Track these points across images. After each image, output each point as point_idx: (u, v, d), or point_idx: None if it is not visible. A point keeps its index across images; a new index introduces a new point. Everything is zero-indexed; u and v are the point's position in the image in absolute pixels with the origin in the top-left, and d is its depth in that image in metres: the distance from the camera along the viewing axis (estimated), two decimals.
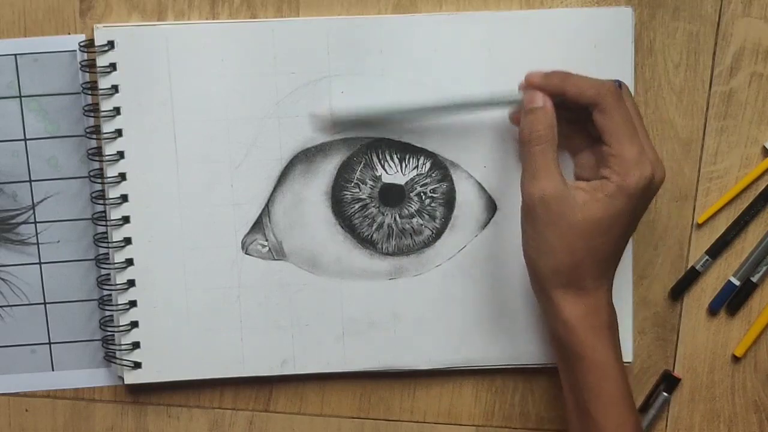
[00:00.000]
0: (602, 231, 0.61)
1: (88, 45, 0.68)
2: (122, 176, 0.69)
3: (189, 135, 0.69)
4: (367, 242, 0.70)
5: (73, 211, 0.70)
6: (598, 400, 0.62)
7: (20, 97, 0.69)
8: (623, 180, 0.60)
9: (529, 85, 0.63)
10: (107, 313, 0.70)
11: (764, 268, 0.71)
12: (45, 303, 0.71)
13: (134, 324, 0.70)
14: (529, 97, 0.63)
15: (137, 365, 0.70)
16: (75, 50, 0.69)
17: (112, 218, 0.69)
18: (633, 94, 0.69)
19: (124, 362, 0.70)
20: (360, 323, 0.71)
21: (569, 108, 0.63)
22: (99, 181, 0.69)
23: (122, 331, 0.70)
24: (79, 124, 0.70)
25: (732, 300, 0.72)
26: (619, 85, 0.63)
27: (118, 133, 0.69)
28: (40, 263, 0.71)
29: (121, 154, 0.69)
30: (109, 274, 0.70)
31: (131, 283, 0.70)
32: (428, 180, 0.69)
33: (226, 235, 0.70)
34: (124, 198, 0.69)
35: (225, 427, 0.73)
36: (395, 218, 0.70)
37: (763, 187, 0.71)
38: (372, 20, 0.69)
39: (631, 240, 0.70)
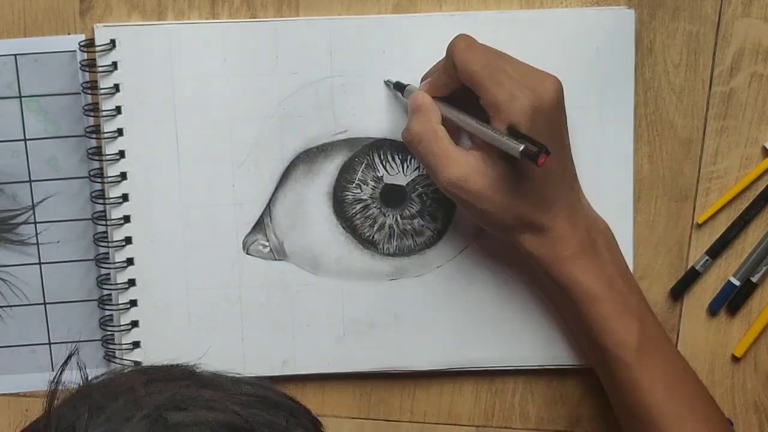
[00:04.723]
0: (519, 176, 0.61)
1: (89, 45, 0.68)
2: (123, 176, 0.69)
3: (190, 134, 0.69)
4: (368, 243, 0.70)
5: (73, 211, 0.70)
6: (592, 327, 0.64)
7: (20, 97, 0.69)
8: (508, 123, 0.60)
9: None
10: (107, 313, 0.70)
11: (764, 268, 0.71)
12: (45, 303, 0.71)
13: (134, 324, 0.70)
14: (410, 101, 0.64)
15: (137, 365, 0.70)
16: (75, 50, 0.69)
17: (112, 218, 0.69)
18: (633, 94, 0.69)
19: (124, 362, 0.70)
20: (361, 324, 0.71)
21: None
22: (99, 180, 0.69)
23: (122, 330, 0.70)
24: (79, 124, 0.69)
25: (732, 300, 0.72)
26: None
27: (119, 132, 0.69)
28: (40, 263, 0.71)
29: (121, 154, 0.69)
30: (109, 274, 0.70)
31: (131, 282, 0.70)
32: (430, 181, 0.69)
33: (227, 235, 0.69)
34: (125, 197, 0.69)
35: None
36: (396, 219, 0.70)
37: (763, 187, 0.71)
38: (374, 20, 0.69)
39: (631, 240, 0.70)
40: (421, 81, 0.67)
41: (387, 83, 0.69)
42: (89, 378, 0.49)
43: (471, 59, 0.61)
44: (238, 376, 0.50)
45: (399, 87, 0.68)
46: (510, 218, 0.63)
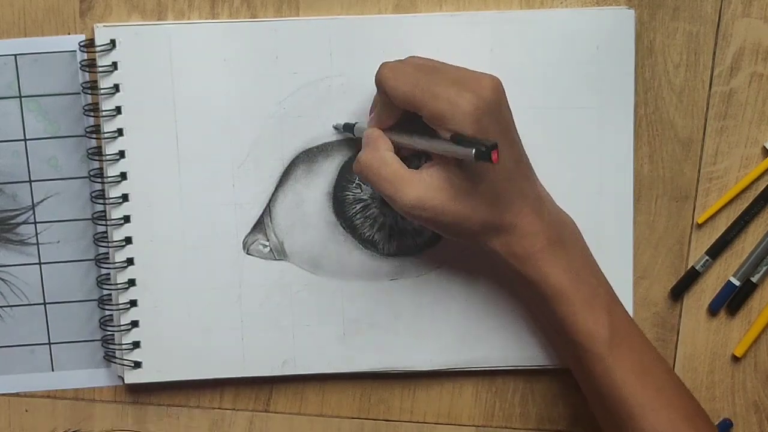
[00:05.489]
0: (476, 182, 0.61)
1: (89, 45, 0.68)
2: (123, 176, 0.69)
3: (190, 134, 0.69)
4: (368, 243, 0.70)
5: (73, 211, 0.70)
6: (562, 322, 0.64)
7: (20, 97, 0.69)
8: (454, 131, 0.59)
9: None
10: (107, 313, 0.70)
11: (764, 268, 0.71)
12: (45, 303, 0.71)
13: (134, 323, 0.70)
14: (363, 138, 0.65)
15: (137, 365, 0.70)
16: (75, 50, 0.69)
17: (112, 218, 0.69)
18: (633, 94, 0.69)
19: (124, 362, 0.70)
20: (361, 324, 0.71)
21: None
22: (99, 180, 0.69)
23: (122, 330, 0.70)
24: (79, 124, 0.69)
25: (732, 300, 0.72)
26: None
27: (119, 132, 0.69)
28: (40, 263, 0.71)
29: (121, 154, 0.69)
30: (109, 274, 0.70)
31: (132, 282, 0.70)
32: None
33: (227, 234, 0.69)
34: (125, 197, 0.69)
35: (225, 427, 0.73)
36: (396, 219, 0.70)
37: (763, 187, 0.71)
38: (374, 20, 0.69)
39: (631, 240, 0.70)
40: (369, 115, 0.67)
41: (336, 127, 0.69)
42: None
43: (398, 84, 0.61)
44: None
45: (348, 128, 0.68)
46: (475, 225, 0.63)
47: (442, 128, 0.60)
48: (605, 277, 0.66)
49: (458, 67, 0.63)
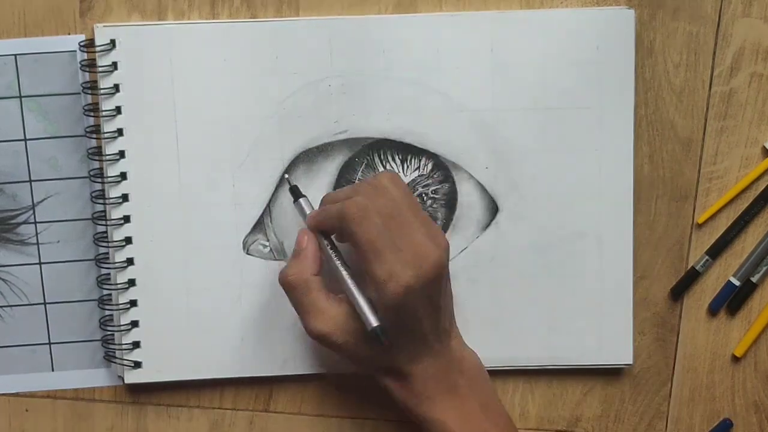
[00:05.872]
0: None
1: (89, 45, 0.68)
2: (123, 176, 0.69)
3: (190, 134, 0.69)
4: None
5: (73, 211, 0.70)
6: None
7: (20, 97, 0.69)
8: (379, 296, 0.61)
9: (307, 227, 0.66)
10: (107, 313, 0.70)
11: (764, 268, 0.71)
12: (45, 303, 0.71)
13: (134, 323, 0.70)
14: (297, 239, 0.66)
15: (137, 365, 0.70)
16: (75, 50, 0.69)
17: (112, 218, 0.69)
18: (633, 94, 0.69)
19: (124, 362, 0.70)
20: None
21: None
22: (99, 180, 0.69)
23: (122, 330, 0.70)
24: (79, 124, 0.69)
25: (732, 300, 0.72)
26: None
27: (119, 132, 0.69)
28: (40, 263, 0.71)
29: (122, 154, 0.69)
30: (109, 274, 0.70)
31: (132, 282, 0.70)
32: (430, 181, 0.69)
33: (227, 234, 0.69)
34: (125, 197, 0.69)
35: (225, 427, 0.73)
36: None
37: (763, 187, 0.71)
38: (374, 20, 0.69)
39: (631, 240, 0.70)
40: (321, 202, 0.66)
41: (287, 180, 0.69)
42: None
43: (362, 229, 0.61)
44: None
45: (294, 193, 0.67)
46: (373, 366, 0.65)
47: (370, 287, 0.61)
48: (505, 417, 0.66)
49: (421, 222, 0.63)
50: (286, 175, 0.69)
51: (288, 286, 0.64)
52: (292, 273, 0.64)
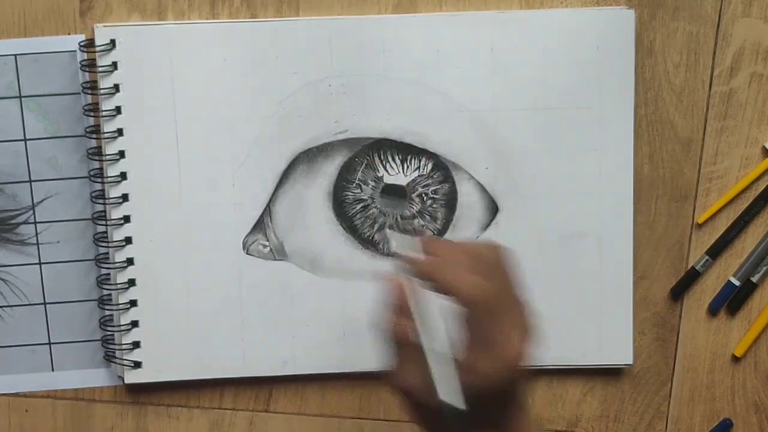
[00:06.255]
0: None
1: (89, 45, 0.68)
2: (123, 176, 0.69)
3: (190, 134, 0.69)
4: (368, 243, 0.70)
5: (73, 211, 0.70)
6: None
7: (20, 97, 0.69)
8: (471, 380, 0.53)
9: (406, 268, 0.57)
10: (107, 313, 0.70)
11: (764, 268, 0.71)
12: (45, 303, 0.71)
13: (134, 324, 0.70)
14: (389, 286, 0.57)
15: (137, 365, 0.70)
16: (75, 50, 0.69)
17: (112, 218, 0.69)
18: (633, 94, 0.69)
19: (124, 362, 0.70)
20: (361, 324, 0.70)
21: None
22: (99, 180, 0.69)
23: (122, 330, 0.70)
24: (79, 124, 0.69)
25: (732, 300, 0.72)
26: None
27: (119, 132, 0.69)
28: (40, 263, 0.71)
29: (122, 154, 0.69)
30: (109, 274, 0.70)
31: (132, 282, 0.70)
32: (430, 181, 0.69)
33: (227, 234, 0.69)
34: (125, 197, 0.69)
35: (225, 427, 0.73)
36: (396, 219, 0.70)
37: (763, 187, 0.71)
38: (374, 20, 0.69)
39: (631, 240, 0.70)
40: (420, 243, 0.58)
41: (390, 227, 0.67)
42: None
43: (485, 316, 0.53)
44: None
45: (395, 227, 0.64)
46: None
47: (473, 351, 0.53)
48: None
49: (516, 302, 0.55)
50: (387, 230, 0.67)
51: (390, 336, 0.55)
52: (409, 378, 0.54)
